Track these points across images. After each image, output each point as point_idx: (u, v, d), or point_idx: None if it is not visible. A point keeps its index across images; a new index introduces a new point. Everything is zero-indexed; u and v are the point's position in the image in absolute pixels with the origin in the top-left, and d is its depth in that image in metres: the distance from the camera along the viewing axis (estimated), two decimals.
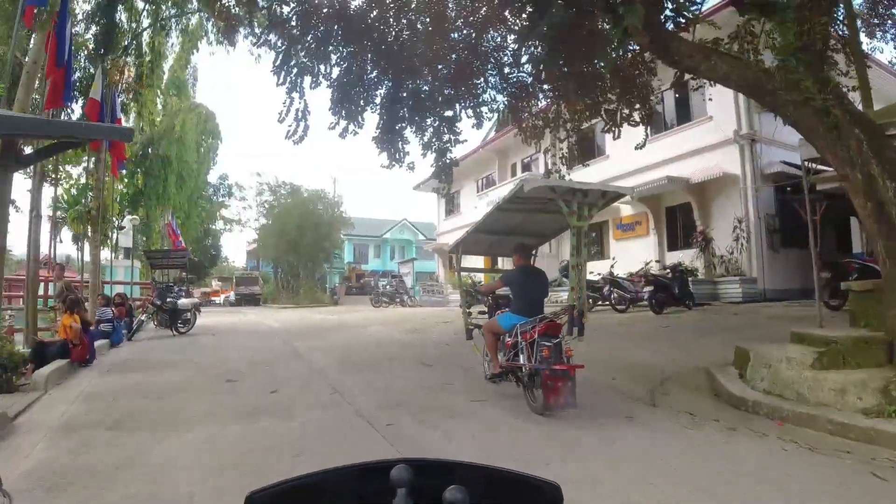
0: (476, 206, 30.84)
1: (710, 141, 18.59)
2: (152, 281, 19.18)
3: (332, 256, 41.02)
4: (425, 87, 12.71)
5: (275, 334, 13.11)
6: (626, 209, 21.51)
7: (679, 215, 20.05)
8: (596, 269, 21.61)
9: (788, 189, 16.81)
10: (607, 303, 15.73)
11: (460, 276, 9.41)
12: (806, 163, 8.62)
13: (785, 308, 12.96)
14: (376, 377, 7.22)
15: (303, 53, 10.90)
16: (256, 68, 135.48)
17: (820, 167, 9.76)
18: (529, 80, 14.50)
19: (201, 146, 33.03)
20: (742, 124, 17.83)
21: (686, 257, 18.65)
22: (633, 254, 20.70)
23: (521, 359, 5.71)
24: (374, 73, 12.44)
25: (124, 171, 18.91)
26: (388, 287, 31.37)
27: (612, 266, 17.00)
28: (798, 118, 7.11)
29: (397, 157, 13.08)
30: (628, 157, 21.30)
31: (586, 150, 23.97)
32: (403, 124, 13.03)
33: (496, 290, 7.51)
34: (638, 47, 10.20)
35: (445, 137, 13.89)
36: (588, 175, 23.39)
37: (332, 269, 43.93)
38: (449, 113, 13.24)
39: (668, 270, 14.63)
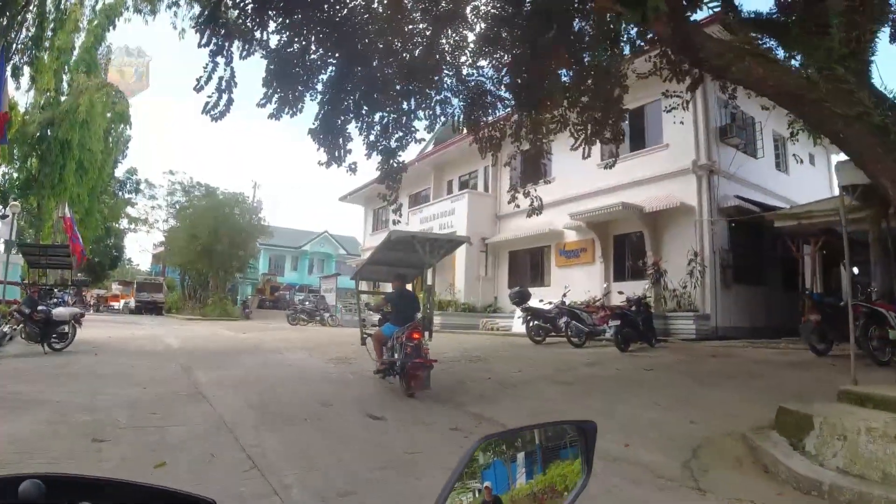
0: (407, 223, 29.06)
1: (665, 169, 17.68)
2: (24, 283, 15.96)
3: (247, 266, 38.14)
4: (378, 76, 10.88)
5: (173, 357, 10.73)
6: (570, 235, 20.33)
7: (628, 244, 18.97)
8: (538, 296, 20.41)
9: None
10: (560, 335, 14.27)
11: (358, 297, 12.86)
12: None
13: (769, 350, 11.83)
14: (311, 439, 5.12)
15: (235, 13, 8.93)
16: (179, 54, 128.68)
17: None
18: (489, 84, 12.98)
19: (110, 134, 29.81)
20: (701, 154, 17.00)
21: (634, 289, 17.54)
22: (577, 282, 19.50)
23: (396, 355, 7.81)
24: (319, 53, 10.55)
25: (6, 144, 15.83)
26: (307, 303, 29.05)
27: (564, 295, 15.59)
28: (849, 136, 5.85)
29: (337, 154, 11.21)
30: (573, 181, 20.32)
31: (529, 173, 22.87)
32: (348, 117, 11.18)
33: (382, 308, 10.11)
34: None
35: (396, 136, 12.23)
36: (540, 194, 22.20)
37: (244, 279, 40.91)
38: (404, 106, 11.55)
39: (630, 303, 13.29)
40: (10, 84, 13.59)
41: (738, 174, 18.01)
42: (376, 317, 11.40)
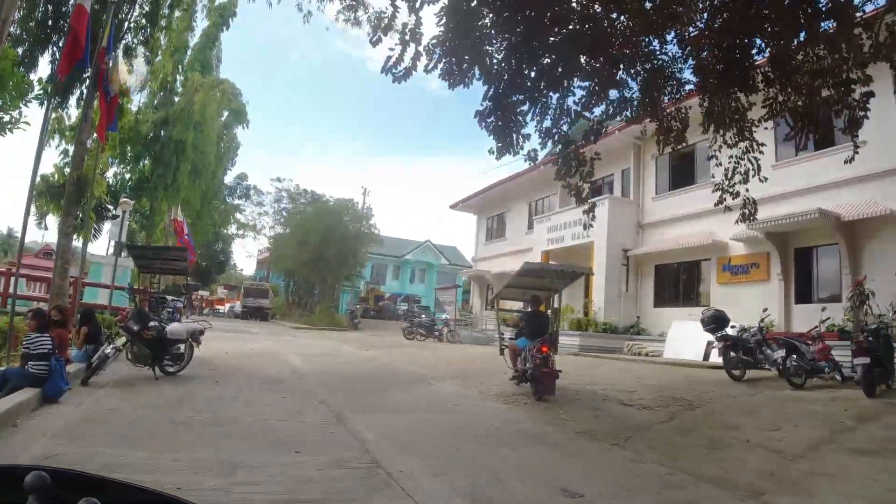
0: (530, 231, 26.78)
1: (863, 171, 14.47)
2: (134, 289, 14.14)
3: (356, 275, 36.99)
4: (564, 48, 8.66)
5: (309, 389, 8.75)
6: (736, 247, 17.37)
7: (816, 259, 15.88)
8: (697, 316, 17.58)
9: None
10: (762, 368, 11.52)
11: (498, 315, 13.54)
12: None
13: None
14: None
15: None
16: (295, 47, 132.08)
17: None
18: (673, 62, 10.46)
19: (222, 139, 29.18)
20: None
21: (820, 313, 14.54)
22: (746, 303, 16.56)
23: (528, 365, 8.99)
24: (489, 19, 8.48)
25: (115, 131, 14.57)
26: (423, 316, 27.23)
27: (762, 320, 12.78)
28: None
29: (510, 140, 9.10)
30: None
31: (679, 176, 20.13)
32: (523, 97, 9.02)
33: (517, 325, 10.99)
34: None
35: (570, 121, 10.04)
36: (690, 203, 19.47)
37: (347, 287, 39.82)
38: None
39: (864, 332, 10.39)
40: (122, 66, 12.28)
41: None
42: (506, 332, 12.41)
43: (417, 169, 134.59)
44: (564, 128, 9.95)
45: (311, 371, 10.55)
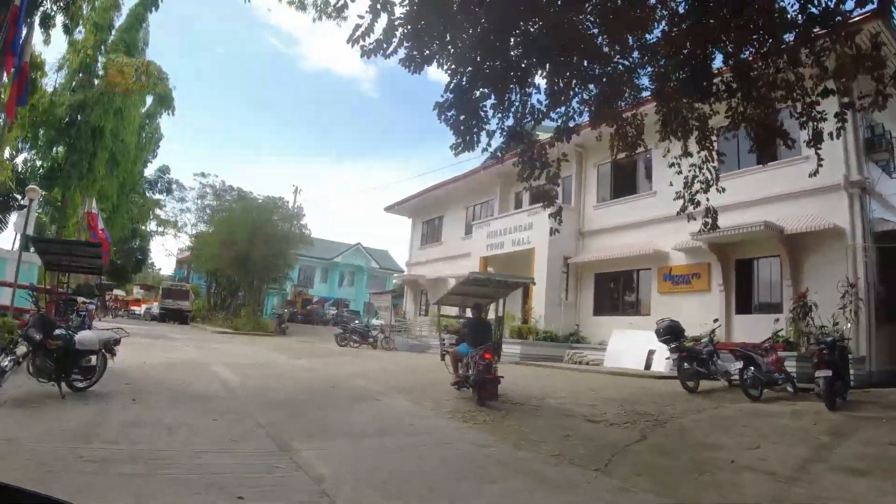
0: (468, 236, 26.25)
1: (806, 185, 14.58)
2: (32, 288, 12.38)
3: (285, 276, 35.48)
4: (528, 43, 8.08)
5: (242, 408, 7.55)
6: (678, 257, 17.33)
7: (757, 271, 15.97)
8: (637, 325, 17.52)
9: None
10: (714, 379, 11.34)
11: (440, 321, 15.01)
12: None
13: None
14: None
15: None
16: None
17: None
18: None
19: (144, 129, 27.39)
20: (852, 169, 14.20)
21: (761, 324, 14.62)
22: (686, 312, 16.43)
23: (470, 371, 9.29)
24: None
25: (25, 106, 12.92)
26: (356, 322, 26.26)
27: (713, 331, 12.63)
28: None
29: (473, 138, 8.47)
30: (670, 193, 17.34)
31: (621, 185, 20.02)
32: (488, 90, 8.39)
33: (459, 331, 12.03)
34: None
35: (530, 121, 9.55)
36: (631, 213, 19.37)
37: (273, 290, 38.22)
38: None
39: (821, 345, 10.28)
40: (38, 34, 10.92)
41: (884, 194, 15.29)
42: (446, 338, 13.32)
43: (348, 171, 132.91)
44: (528, 127, 9.39)
45: (243, 385, 9.45)
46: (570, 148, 20.64)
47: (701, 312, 16.18)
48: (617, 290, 19.60)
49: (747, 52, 8.44)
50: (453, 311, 16.65)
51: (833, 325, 13.35)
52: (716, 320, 13.03)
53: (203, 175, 38.54)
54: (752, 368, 10.21)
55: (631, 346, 17.02)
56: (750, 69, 8.53)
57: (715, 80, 8.58)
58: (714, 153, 10.50)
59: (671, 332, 11.62)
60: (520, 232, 20.89)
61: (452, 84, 8.17)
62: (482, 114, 8.50)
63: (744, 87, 8.66)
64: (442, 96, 8.16)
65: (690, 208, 10.59)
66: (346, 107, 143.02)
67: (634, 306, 18.72)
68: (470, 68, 7.87)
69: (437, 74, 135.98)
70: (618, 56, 9.37)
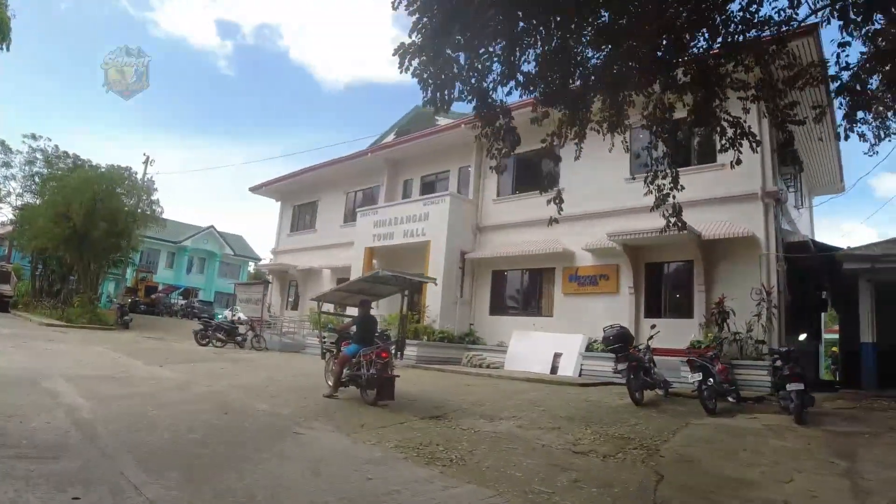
0: (347, 224, 24.23)
1: (725, 192, 14.49)
2: None
3: (128, 260, 31.07)
4: None
5: (112, 468, 4.76)
6: (584, 257, 16.60)
7: (667, 274, 15.54)
8: (541, 326, 16.63)
9: None
10: (658, 389, 10.48)
11: (319, 318, 14.58)
12: None
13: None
14: None
15: None
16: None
17: None
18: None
19: None
20: (767, 180, 14.20)
21: (673, 328, 14.22)
22: (592, 314, 15.96)
23: (363, 371, 9.08)
24: None
25: None
26: (220, 316, 23.22)
27: (650, 338, 11.74)
28: None
29: (442, 94, 6.77)
30: (590, 195, 16.76)
31: (524, 179, 19.03)
32: (462, 38, 6.67)
33: (346, 330, 10.62)
34: None
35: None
36: (535, 210, 18.33)
37: (120, 275, 33.47)
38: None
39: (775, 355, 9.73)
40: None
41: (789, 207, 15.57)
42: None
43: (196, 150, 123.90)
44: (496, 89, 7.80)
45: (102, 418, 6.62)
46: (471, 137, 19.57)
47: (608, 315, 15.54)
48: (517, 290, 18.56)
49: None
50: (329, 306, 15.42)
51: (747, 331, 13.21)
52: (653, 326, 12.15)
53: (34, 137, 32.78)
54: (710, 380, 9.41)
55: (533, 348, 16.05)
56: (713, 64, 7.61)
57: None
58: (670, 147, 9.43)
59: (622, 340, 10.53)
60: (414, 223, 19.23)
61: (421, 24, 6.42)
62: (454, 66, 6.81)
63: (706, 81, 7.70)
64: (409, 36, 6.39)
65: (663, 205, 9.43)
66: (197, 81, 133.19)
67: (536, 306, 17.75)
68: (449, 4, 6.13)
69: (298, 55, 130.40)
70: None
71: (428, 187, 21.92)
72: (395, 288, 12.59)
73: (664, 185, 9.28)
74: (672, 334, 14.25)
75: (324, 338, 12.10)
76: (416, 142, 21.41)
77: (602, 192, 16.61)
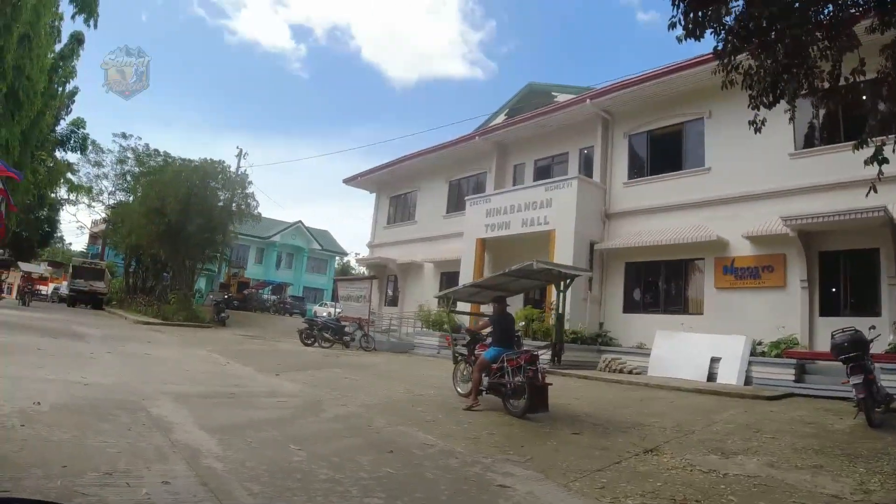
0: (451, 214, 22.81)
1: None
2: None
3: (224, 255, 30.69)
4: None
5: None
6: (741, 246, 14.48)
7: (846, 265, 13.30)
8: (689, 326, 14.69)
9: None
10: (881, 409, 8.35)
11: (451, 318, 12.33)
12: None
13: None
14: None
15: None
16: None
17: None
18: None
19: (57, 70, 22.33)
20: None
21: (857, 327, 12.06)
22: (753, 313, 13.89)
23: (507, 378, 7.94)
24: None
25: None
26: (324, 315, 22.27)
27: (871, 341, 9.54)
28: None
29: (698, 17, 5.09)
30: (751, 172, 14.67)
31: (660, 159, 17.06)
32: None
33: (481, 331, 9.61)
34: None
35: None
36: (675, 193, 16.46)
37: (216, 272, 33.26)
38: None
39: None
40: None
41: None
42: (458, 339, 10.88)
43: (274, 148, 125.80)
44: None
45: (239, 470, 4.62)
46: (594, 113, 17.71)
47: (771, 313, 13.54)
48: (656, 284, 16.59)
49: None
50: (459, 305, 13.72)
51: None
52: (873, 327, 9.96)
53: (124, 136, 32.84)
54: None
55: (683, 351, 14.09)
56: None
57: None
58: None
59: (860, 347, 8.48)
60: (534, 210, 17.52)
61: None
62: None
63: None
64: None
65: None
66: (273, 84, 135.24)
67: (681, 303, 15.73)
68: None
69: (369, 55, 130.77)
70: None
71: (542, 172, 20.16)
72: (534, 283, 11.62)
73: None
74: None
75: (455, 341, 10.59)
76: (531, 122, 19.66)
77: (757, 172, 14.50)
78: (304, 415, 7.57)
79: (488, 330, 9.27)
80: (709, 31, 6.16)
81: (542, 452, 6.14)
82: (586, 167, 18.56)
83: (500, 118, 22.76)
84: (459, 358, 9.80)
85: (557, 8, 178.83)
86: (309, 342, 18.51)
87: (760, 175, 14.41)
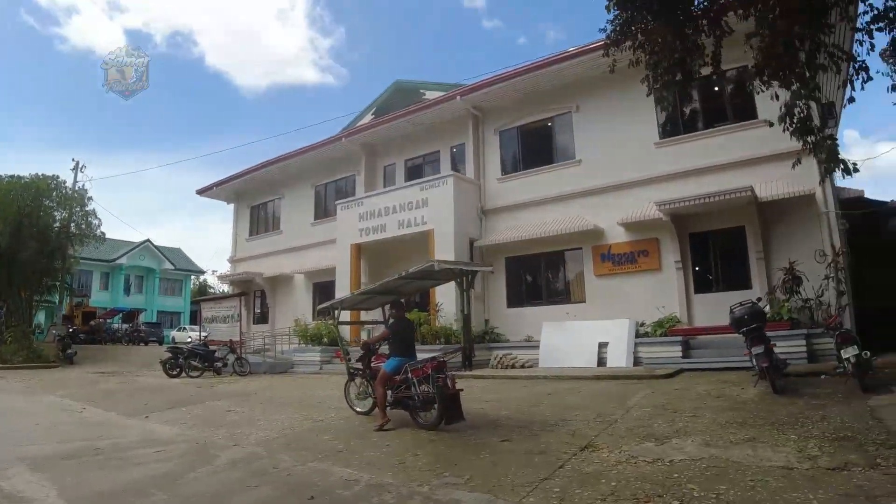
0: (320, 221, 21.88)
1: (772, 149, 12.99)
2: None
3: (65, 284, 27.38)
4: None
5: None
6: (616, 233, 14.95)
7: (717, 244, 14.04)
8: (572, 315, 14.93)
9: None
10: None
11: (339, 330, 10.69)
12: None
13: None
14: None
15: None
16: None
17: None
18: None
19: None
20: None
21: (727, 302, 12.75)
22: (632, 296, 14.37)
23: (414, 390, 7.39)
24: None
25: None
26: (188, 340, 20.33)
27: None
28: None
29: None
30: (611, 161, 15.25)
31: (532, 153, 17.24)
32: None
33: (377, 342, 8.85)
34: None
35: None
36: (549, 186, 16.66)
37: (57, 303, 29.62)
38: None
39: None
40: None
41: None
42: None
43: (121, 166, 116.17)
44: None
45: None
46: (465, 110, 17.62)
47: (652, 295, 14.09)
48: (537, 276, 16.70)
49: None
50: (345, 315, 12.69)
51: (817, 297, 11.90)
52: (759, 299, 10.44)
53: None
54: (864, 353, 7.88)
55: (571, 339, 14.26)
56: None
57: None
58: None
59: (758, 318, 8.80)
60: (410, 211, 17.07)
61: None
62: None
63: None
64: None
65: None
66: (110, 95, 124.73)
67: (564, 293, 15.94)
68: None
69: (215, 61, 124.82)
70: None
71: (414, 172, 19.78)
72: (431, 283, 11.40)
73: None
74: (728, 310, 12.86)
75: (349, 355, 9.73)
76: (401, 120, 19.15)
77: (626, 161, 15.06)
78: (195, 465, 6.31)
79: (379, 338, 8.69)
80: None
81: (479, 468, 5.60)
82: (458, 164, 18.42)
83: (368, 118, 22.07)
84: (354, 373, 9.08)
85: (405, 13, 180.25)
86: (174, 373, 16.76)
87: (630, 164, 14.94)
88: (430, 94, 19.62)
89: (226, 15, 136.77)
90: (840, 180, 13.61)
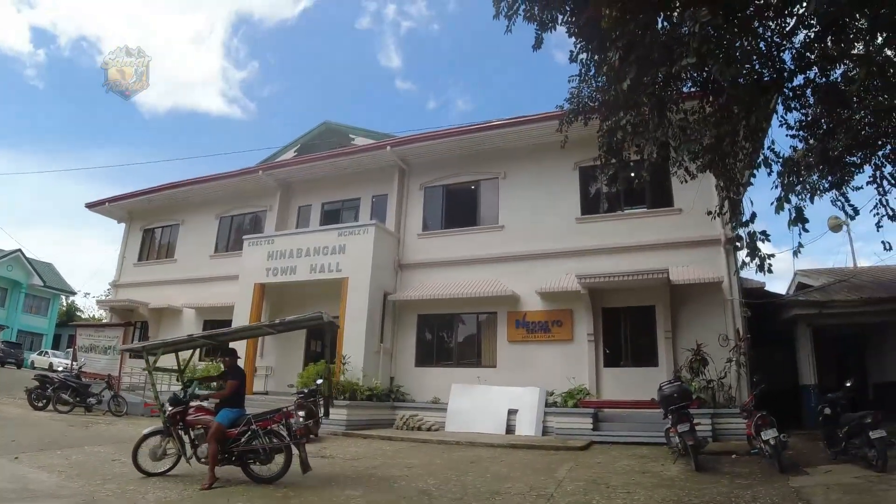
0: (221, 255, 20.77)
1: (684, 236, 13.96)
2: None
3: None
4: None
5: None
6: (533, 301, 15.13)
7: (628, 320, 14.48)
8: (483, 379, 14.82)
9: None
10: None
11: (152, 375, 8.63)
12: None
13: None
14: None
15: None
16: None
17: None
18: None
19: None
20: (727, 225, 13.90)
21: (636, 377, 13.31)
22: (543, 364, 14.54)
23: (259, 442, 7.15)
24: None
25: None
26: (60, 371, 18.29)
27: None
28: None
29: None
30: (532, 231, 15.62)
31: (456, 213, 17.30)
32: None
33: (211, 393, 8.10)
34: None
35: None
36: (469, 248, 16.70)
37: None
38: None
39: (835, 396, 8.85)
40: None
41: None
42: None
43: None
44: None
45: None
46: (391, 161, 17.54)
47: (561, 365, 14.29)
48: (449, 337, 16.48)
49: None
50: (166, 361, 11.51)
51: (719, 379, 12.52)
52: (678, 375, 10.71)
53: None
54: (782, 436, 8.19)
55: (480, 404, 14.06)
56: None
57: None
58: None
59: (686, 398, 8.98)
60: (325, 255, 16.46)
61: None
62: None
63: None
64: None
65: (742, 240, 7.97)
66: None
67: (475, 356, 15.77)
68: None
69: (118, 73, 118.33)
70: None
71: (331, 216, 19.26)
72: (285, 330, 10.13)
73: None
74: (635, 385, 13.25)
75: (162, 404, 8.07)
76: (326, 161, 18.69)
77: (548, 232, 15.47)
78: None
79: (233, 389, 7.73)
80: None
81: None
82: (378, 214, 18.11)
83: (290, 154, 21.37)
84: (162, 428, 7.74)
85: (319, 59, 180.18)
86: (41, 404, 15.00)
87: (551, 235, 15.32)
88: (359, 141, 19.41)
89: (140, 28, 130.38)
90: (749, 272, 14.69)
